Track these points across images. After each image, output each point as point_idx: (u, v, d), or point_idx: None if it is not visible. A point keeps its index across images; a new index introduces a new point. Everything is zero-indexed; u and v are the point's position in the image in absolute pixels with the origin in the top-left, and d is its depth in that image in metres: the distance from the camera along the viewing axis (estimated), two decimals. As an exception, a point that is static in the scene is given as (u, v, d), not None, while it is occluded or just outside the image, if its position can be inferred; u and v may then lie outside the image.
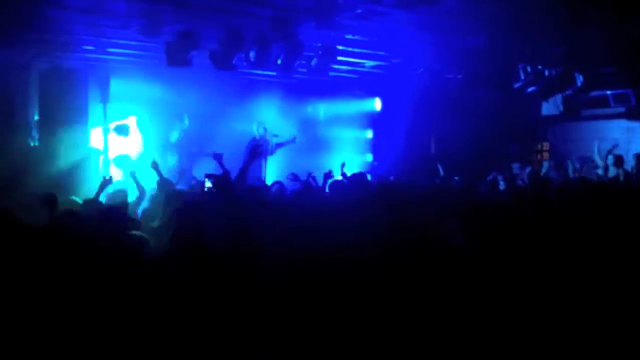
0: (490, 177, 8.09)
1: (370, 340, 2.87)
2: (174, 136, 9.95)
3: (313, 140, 11.44)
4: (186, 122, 10.00)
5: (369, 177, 7.79)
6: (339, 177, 7.31)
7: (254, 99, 10.60)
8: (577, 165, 9.12)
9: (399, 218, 4.16)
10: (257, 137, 9.62)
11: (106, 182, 5.90)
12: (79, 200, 5.77)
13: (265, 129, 9.66)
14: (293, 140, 10.03)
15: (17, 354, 2.69)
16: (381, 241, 3.66)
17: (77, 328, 2.78)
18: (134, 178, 6.36)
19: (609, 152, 8.97)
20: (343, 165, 8.15)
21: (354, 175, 6.81)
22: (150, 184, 6.39)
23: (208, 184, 5.49)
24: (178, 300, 2.95)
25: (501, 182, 7.62)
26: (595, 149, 9.29)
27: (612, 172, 8.69)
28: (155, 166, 6.36)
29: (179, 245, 3.47)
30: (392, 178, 8.61)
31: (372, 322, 2.94)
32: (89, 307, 2.86)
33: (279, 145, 9.86)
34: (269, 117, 10.81)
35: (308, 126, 11.47)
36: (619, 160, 8.86)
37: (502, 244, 3.57)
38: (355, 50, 8.84)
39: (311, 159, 10.84)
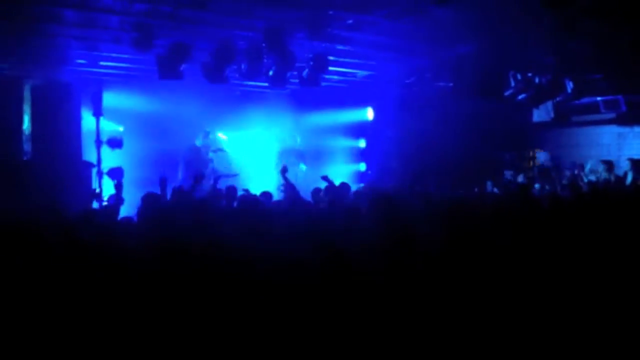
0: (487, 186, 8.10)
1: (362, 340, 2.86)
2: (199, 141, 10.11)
3: (306, 150, 11.46)
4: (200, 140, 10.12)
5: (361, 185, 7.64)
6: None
7: (246, 111, 10.62)
8: (568, 173, 9.18)
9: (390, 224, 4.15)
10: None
11: (95, 194, 5.86)
12: None
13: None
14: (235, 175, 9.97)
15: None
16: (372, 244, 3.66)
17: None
18: (119, 189, 6.23)
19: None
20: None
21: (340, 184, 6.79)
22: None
23: None
24: None
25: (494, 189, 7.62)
26: (588, 166, 9.26)
27: (603, 176, 8.74)
28: (162, 183, 6.10)
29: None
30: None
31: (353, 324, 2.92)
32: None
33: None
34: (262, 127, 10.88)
35: (301, 136, 11.48)
36: (610, 166, 8.93)
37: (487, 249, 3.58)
38: (347, 60, 8.90)
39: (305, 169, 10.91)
